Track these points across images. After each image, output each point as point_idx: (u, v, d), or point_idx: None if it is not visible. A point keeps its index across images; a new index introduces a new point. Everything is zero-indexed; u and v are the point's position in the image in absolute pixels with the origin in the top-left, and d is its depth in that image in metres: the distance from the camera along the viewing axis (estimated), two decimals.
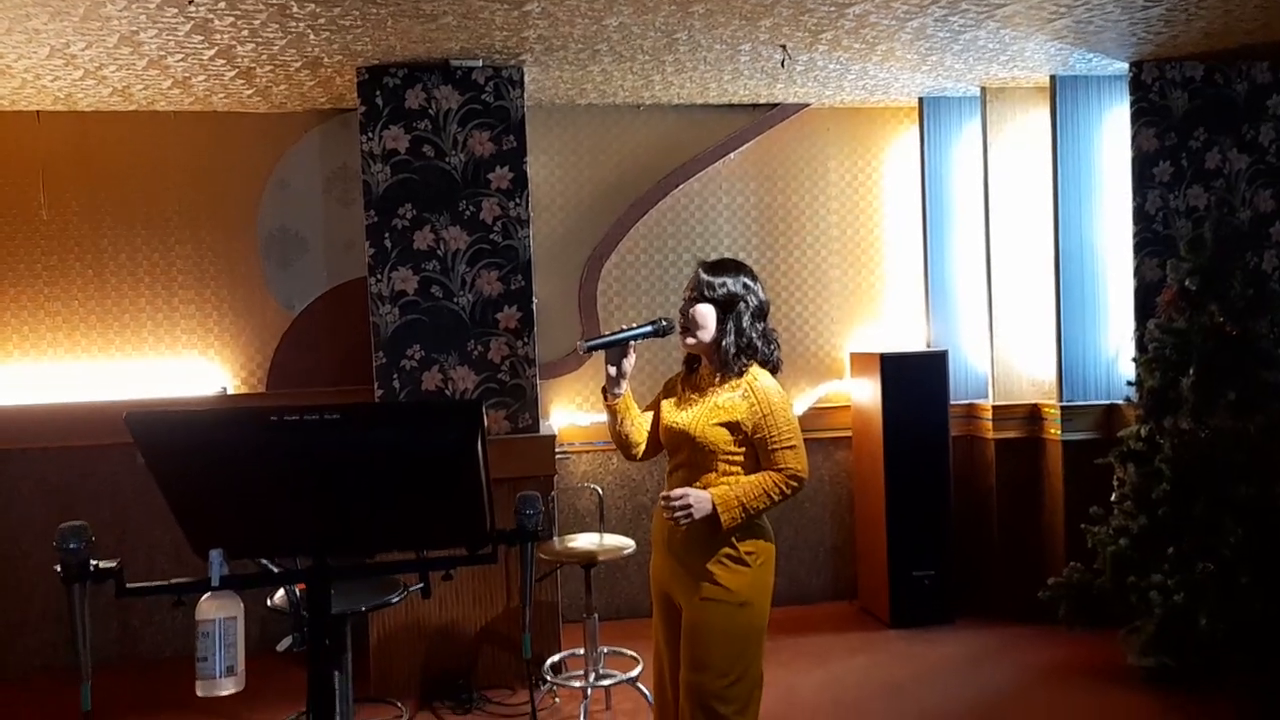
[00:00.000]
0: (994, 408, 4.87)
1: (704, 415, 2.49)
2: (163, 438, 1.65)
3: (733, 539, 2.44)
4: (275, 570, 1.88)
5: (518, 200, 4.15)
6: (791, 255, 5.16)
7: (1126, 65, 4.48)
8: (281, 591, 3.06)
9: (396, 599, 3.06)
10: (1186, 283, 3.89)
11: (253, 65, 3.94)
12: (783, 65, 4.12)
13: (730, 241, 5.11)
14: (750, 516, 2.40)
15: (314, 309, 4.77)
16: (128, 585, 1.65)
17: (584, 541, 3.80)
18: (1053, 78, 4.63)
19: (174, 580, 1.69)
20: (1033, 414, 4.88)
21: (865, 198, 5.26)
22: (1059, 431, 4.69)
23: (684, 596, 2.48)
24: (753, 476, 2.44)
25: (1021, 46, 4.14)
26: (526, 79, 4.19)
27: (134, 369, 4.63)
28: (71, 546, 1.59)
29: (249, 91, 4.34)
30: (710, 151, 5.03)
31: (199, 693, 1.66)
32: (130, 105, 4.50)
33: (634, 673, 3.65)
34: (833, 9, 3.52)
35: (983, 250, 4.91)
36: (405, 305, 4.10)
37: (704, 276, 2.52)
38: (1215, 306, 3.78)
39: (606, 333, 2.53)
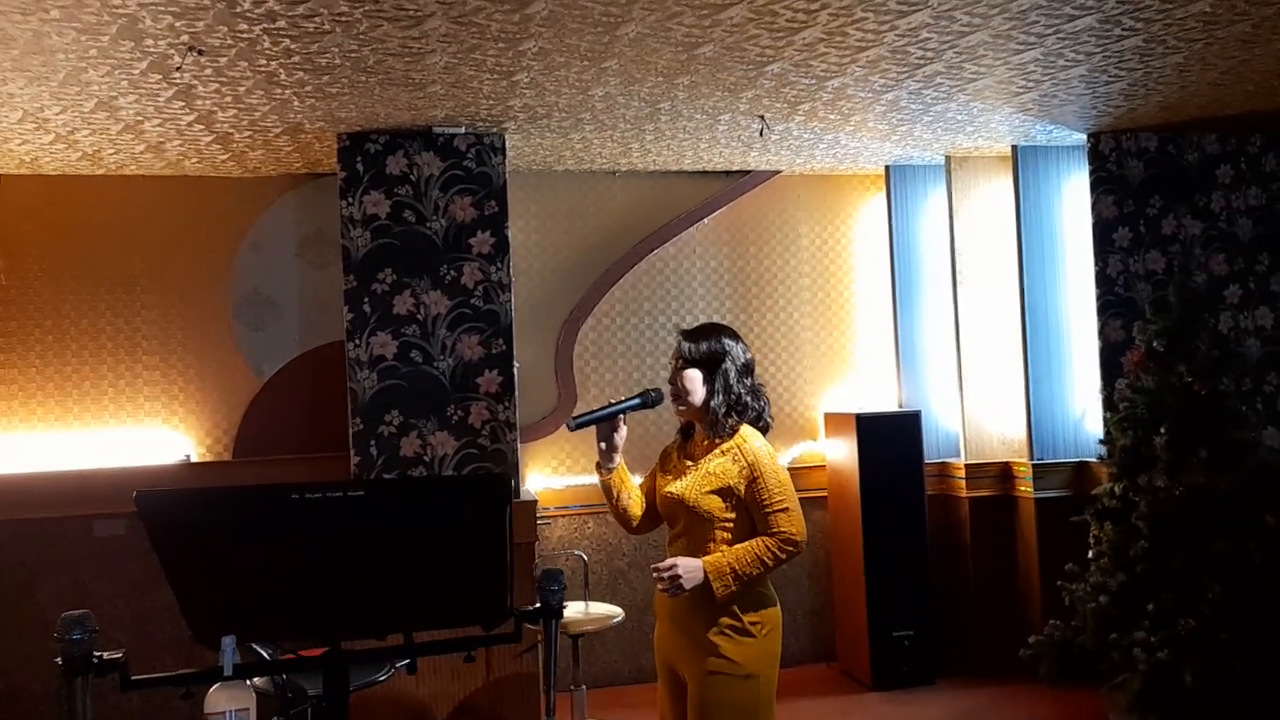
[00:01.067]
0: (966, 466, 4.94)
1: (697, 484, 2.47)
2: (173, 517, 1.59)
3: (735, 609, 2.40)
4: (267, 655, 1.80)
5: (499, 265, 4.14)
6: (765, 318, 5.22)
7: (1084, 136, 4.67)
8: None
9: (384, 677, 2.95)
10: (1154, 343, 4.00)
11: (231, 130, 3.91)
12: (760, 135, 4.22)
13: (705, 305, 5.16)
14: (744, 585, 2.37)
15: (285, 374, 4.68)
16: (133, 678, 1.55)
17: (571, 611, 3.72)
18: (1014, 148, 4.81)
19: (183, 671, 1.60)
20: (1004, 472, 4.95)
21: (835, 262, 5.36)
22: (1031, 489, 4.76)
23: (689, 669, 2.43)
24: (747, 543, 2.41)
25: (988, 118, 4.29)
26: (508, 145, 4.22)
27: (93, 439, 4.47)
28: (75, 637, 1.51)
29: (224, 156, 4.30)
30: (684, 217, 5.10)
31: None
32: (99, 170, 4.42)
33: None
34: (813, 82, 3.63)
35: (951, 312, 5.02)
36: (384, 370, 4.04)
37: (684, 343, 2.55)
38: (1183, 367, 3.90)
39: (595, 408, 2.50)
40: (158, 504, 1.56)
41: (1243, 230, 4.82)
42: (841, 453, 4.93)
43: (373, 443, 4.00)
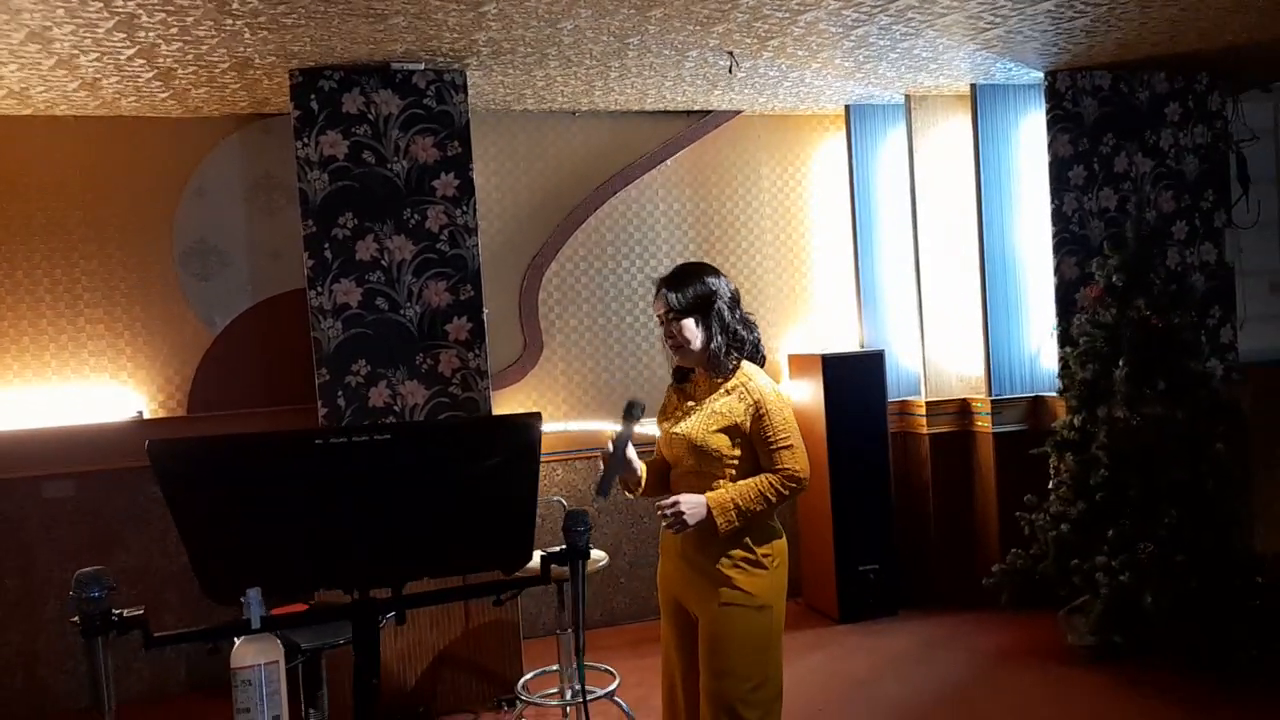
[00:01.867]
0: (927, 404, 5.04)
1: (704, 423, 2.45)
2: (187, 467, 1.50)
3: (748, 541, 2.40)
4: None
5: (464, 208, 4.02)
6: (727, 260, 5.19)
7: (1042, 75, 4.72)
8: None
9: (330, 646, 2.89)
10: (1113, 279, 4.11)
11: (174, 66, 3.68)
12: (730, 71, 4.14)
13: (668, 248, 5.11)
14: (747, 520, 2.37)
15: (238, 325, 4.49)
16: (156, 635, 1.48)
17: None
18: (973, 86, 4.83)
19: (207, 626, 1.53)
20: (963, 408, 5.07)
21: (796, 202, 5.35)
22: (989, 424, 4.89)
23: (700, 603, 2.43)
24: (750, 479, 2.41)
25: (951, 55, 4.29)
26: (468, 83, 4.07)
27: (36, 396, 4.24)
28: (93, 595, 1.42)
29: (164, 95, 4.05)
30: (645, 159, 5.02)
31: None
32: (26, 109, 4.13)
33: (612, 687, 3.57)
34: (786, 15, 3.56)
35: (910, 252, 5.07)
36: (349, 319, 3.90)
37: (670, 294, 2.48)
38: (1141, 301, 4.01)
39: (604, 470, 2.35)
40: (170, 453, 1.46)
41: (1189, 168, 4.95)
42: (806, 393, 4.98)
43: (340, 393, 3.88)
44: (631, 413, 2.36)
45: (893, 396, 5.10)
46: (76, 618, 1.42)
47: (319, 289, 3.88)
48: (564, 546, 1.77)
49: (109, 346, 4.35)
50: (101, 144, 4.32)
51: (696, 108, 5.00)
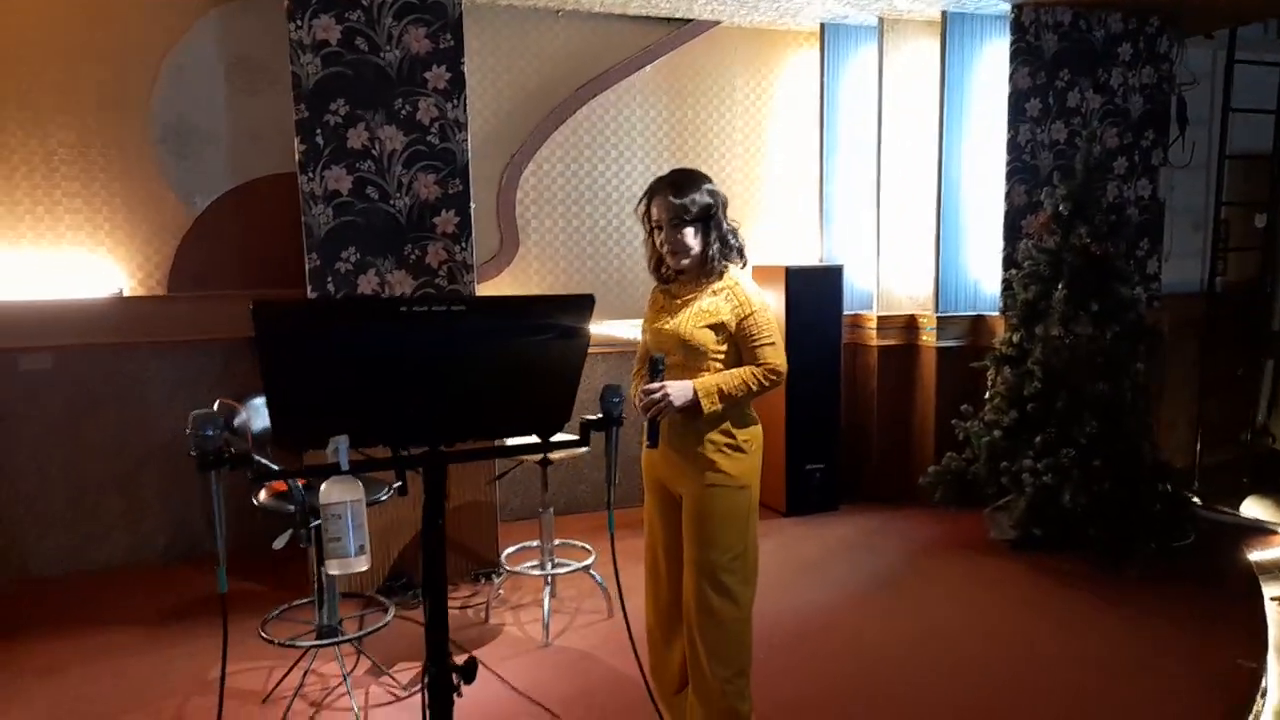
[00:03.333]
0: (878, 318, 5.37)
1: (691, 319, 2.65)
2: (286, 327, 1.66)
3: (729, 427, 2.65)
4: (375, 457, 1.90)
5: (455, 102, 4.09)
6: (700, 169, 5.34)
7: (1009, 7, 4.93)
8: (263, 491, 3.05)
9: (384, 497, 3.11)
10: (1060, 208, 4.44)
11: None
12: None
13: (644, 154, 5.25)
14: (729, 404, 2.59)
15: (219, 206, 4.51)
16: (261, 469, 1.67)
17: None
18: (944, 13, 5.02)
19: (305, 466, 1.72)
20: (910, 324, 5.41)
21: (766, 116, 5.52)
22: (933, 339, 5.25)
23: (686, 485, 2.67)
24: (734, 370, 2.65)
25: None
26: None
27: (10, 261, 4.22)
28: (208, 433, 1.59)
29: None
30: (625, 64, 5.10)
31: (333, 571, 1.72)
32: None
33: (588, 561, 3.88)
34: None
35: (873, 172, 5.31)
36: (339, 206, 3.98)
37: (676, 201, 2.58)
38: (1084, 229, 4.35)
39: (647, 423, 2.50)
40: (273, 313, 1.62)
41: (1134, 106, 5.27)
42: (769, 303, 5.23)
43: (330, 279, 3.98)
44: (657, 368, 2.51)
45: (847, 310, 5.41)
46: (193, 452, 1.59)
47: (310, 174, 3.93)
48: (600, 415, 2.00)
49: (86, 221, 4.34)
50: (80, 14, 4.22)
51: (679, 15, 5.08)
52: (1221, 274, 6.06)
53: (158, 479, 4.50)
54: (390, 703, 3.11)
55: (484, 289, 4.93)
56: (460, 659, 1.87)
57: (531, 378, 1.85)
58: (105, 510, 4.45)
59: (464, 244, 4.16)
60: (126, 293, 4.39)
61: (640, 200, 2.68)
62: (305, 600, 3.57)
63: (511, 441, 1.99)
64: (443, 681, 1.84)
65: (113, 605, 4.02)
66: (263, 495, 3.02)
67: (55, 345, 4.25)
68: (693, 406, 2.55)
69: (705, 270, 2.65)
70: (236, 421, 2.85)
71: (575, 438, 1.95)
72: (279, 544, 2.78)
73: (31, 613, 3.94)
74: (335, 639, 3.04)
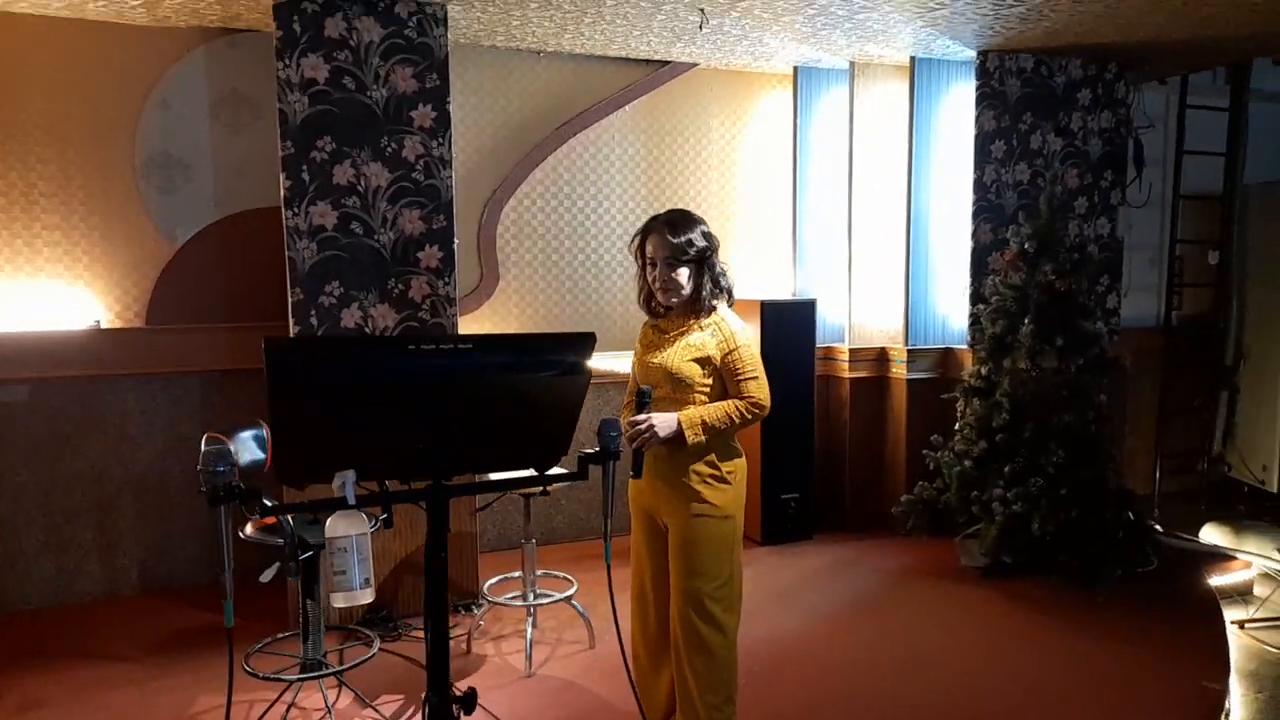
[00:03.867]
0: (850, 350, 5.50)
1: (679, 353, 2.75)
2: (296, 363, 1.71)
3: (714, 459, 2.73)
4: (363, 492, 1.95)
5: (440, 140, 4.17)
6: (675, 206, 5.46)
7: (974, 53, 5.13)
8: (250, 525, 3.06)
9: (371, 529, 3.13)
10: (1026, 245, 4.60)
11: None
12: (700, 28, 4.38)
13: (621, 191, 5.36)
14: (712, 435, 2.67)
15: (200, 240, 4.54)
16: (267, 505, 1.71)
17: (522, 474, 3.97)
18: (913, 58, 5.21)
19: (310, 500, 1.77)
20: (881, 356, 5.55)
21: (741, 155, 5.67)
22: (904, 371, 5.39)
23: (672, 515, 2.75)
24: (718, 402, 2.73)
25: (899, 29, 4.65)
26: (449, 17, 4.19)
27: None
28: (219, 470, 1.64)
29: (134, 1, 4.02)
30: (605, 103, 5.22)
31: (338, 604, 1.77)
32: None
33: (570, 592, 3.92)
34: None
35: (845, 209, 5.47)
36: (324, 241, 4.03)
37: (673, 240, 2.67)
38: (1048, 267, 4.52)
39: (633, 453, 2.53)
40: (286, 349, 1.68)
41: (1093, 149, 5.49)
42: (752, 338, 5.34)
43: (313, 313, 4.02)
44: (643, 400, 2.59)
45: (820, 343, 5.53)
46: (204, 488, 1.63)
47: (295, 210, 3.98)
48: (597, 449, 2.07)
49: (65, 254, 4.34)
50: (64, 46, 4.25)
51: (657, 57, 5.22)
52: (1177, 309, 6.29)
53: (133, 511, 4.48)
54: None
55: (464, 322, 4.98)
56: (459, 689, 1.91)
57: (534, 412, 1.92)
58: (80, 542, 4.41)
59: (447, 278, 4.23)
60: (104, 325, 4.38)
61: (635, 236, 2.77)
62: (287, 634, 3.57)
63: (509, 475, 2.03)
64: (444, 711, 1.88)
65: (91, 638, 3.99)
66: (249, 529, 3.04)
67: (32, 376, 4.23)
68: (677, 438, 2.63)
69: (695, 309, 2.74)
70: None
71: (564, 471, 2.01)
72: (266, 577, 2.80)
73: (9, 647, 3.89)
74: (321, 672, 3.05)
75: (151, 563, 4.53)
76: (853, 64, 5.35)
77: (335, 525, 1.78)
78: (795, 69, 5.49)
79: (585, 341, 1.89)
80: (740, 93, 5.61)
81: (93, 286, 4.39)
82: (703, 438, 2.65)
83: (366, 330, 4.10)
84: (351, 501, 1.76)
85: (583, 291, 5.33)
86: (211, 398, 4.56)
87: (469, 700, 1.90)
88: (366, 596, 1.78)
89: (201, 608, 4.35)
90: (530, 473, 1.98)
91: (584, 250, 5.30)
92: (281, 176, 3.97)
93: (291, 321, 4.03)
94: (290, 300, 4.02)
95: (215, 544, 1.60)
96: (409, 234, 4.15)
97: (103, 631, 4.07)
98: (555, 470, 2.03)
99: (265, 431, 3.07)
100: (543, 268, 5.22)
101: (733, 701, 2.70)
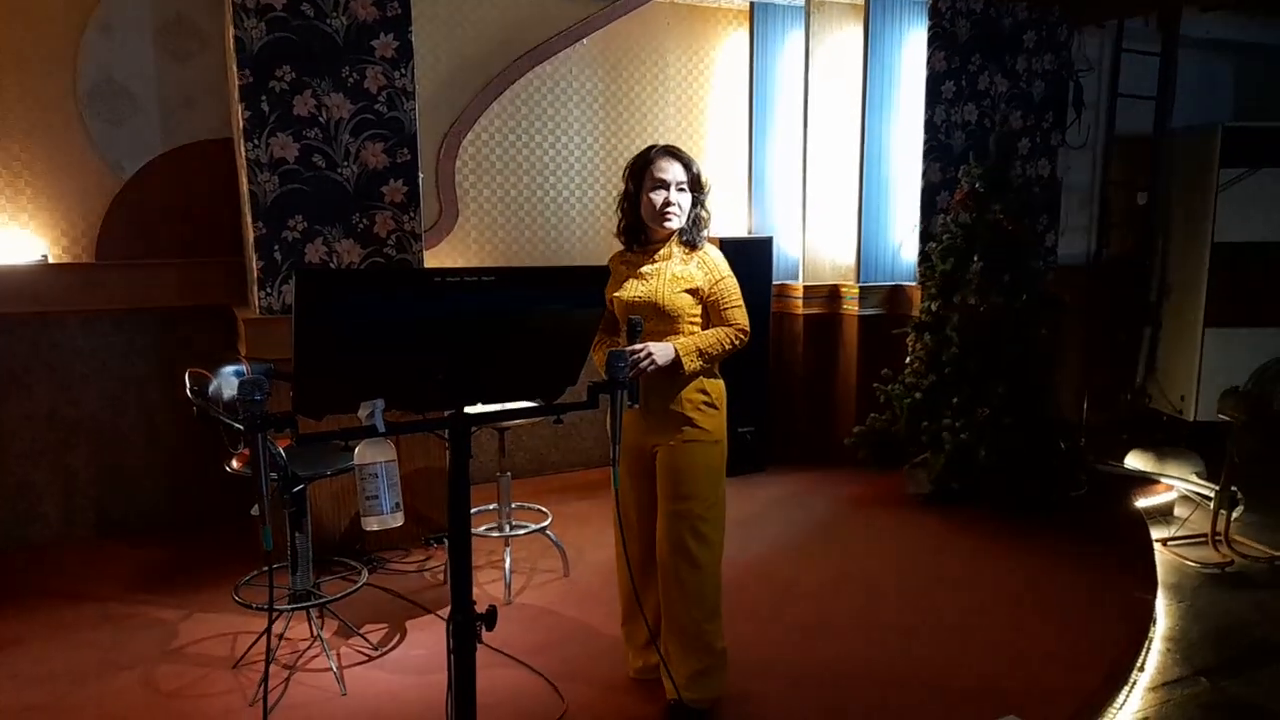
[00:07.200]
0: (804, 287, 5.63)
1: (667, 285, 2.81)
2: (326, 294, 1.72)
3: (703, 384, 2.83)
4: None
5: (403, 70, 4.08)
6: (634, 142, 5.47)
7: None
8: (236, 459, 3.06)
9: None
10: (977, 185, 4.76)
11: None
12: None
13: (579, 126, 5.33)
14: (707, 362, 2.78)
15: (148, 173, 4.37)
16: (301, 432, 1.74)
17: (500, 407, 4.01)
18: None
19: (343, 428, 1.80)
20: (833, 293, 5.70)
21: (698, 92, 5.67)
22: (856, 307, 5.56)
23: (663, 440, 2.83)
24: (710, 330, 2.83)
25: None
26: None
27: None
28: (257, 398, 1.66)
29: None
30: (563, 35, 5.15)
31: (370, 527, 1.82)
32: None
33: (545, 523, 4.01)
34: None
35: (800, 148, 5.55)
36: (285, 174, 3.94)
37: (685, 170, 2.77)
38: (997, 206, 4.69)
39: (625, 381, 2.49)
40: (318, 280, 1.69)
41: (1036, 91, 5.67)
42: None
43: (276, 247, 3.95)
44: (635, 330, 2.58)
45: (775, 280, 5.65)
46: (242, 415, 1.65)
47: (255, 142, 3.88)
48: (605, 379, 2.14)
49: (7, 186, 4.15)
50: None
51: None
52: (1106, 247, 6.58)
53: (86, 452, 4.38)
54: (364, 662, 3.18)
55: (426, 258, 4.93)
56: (482, 608, 1.99)
57: (550, 343, 1.97)
58: (34, 485, 4.31)
59: (412, 213, 4.18)
60: (50, 260, 4.22)
61: (632, 161, 2.80)
62: (268, 569, 3.58)
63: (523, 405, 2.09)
64: (467, 627, 1.96)
65: (55, 579, 3.94)
66: (235, 463, 3.03)
67: None
68: (673, 366, 2.71)
69: (689, 240, 2.81)
70: (210, 390, 2.85)
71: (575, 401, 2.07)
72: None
73: None
74: (312, 602, 3.09)
75: (108, 504, 4.46)
76: (808, 1, 5.37)
77: (364, 452, 1.82)
78: (752, 5, 5.50)
79: (600, 275, 1.94)
80: (698, 28, 5.60)
81: (36, 219, 4.22)
82: (699, 366, 2.74)
83: (331, 265, 4.05)
84: (381, 429, 1.79)
85: (542, 226, 5.32)
86: (165, 335, 4.45)
87: (490, 617, 1.98)
88: (397, 520, 1.83)
89: (164, 547, 4.32)
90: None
91: (543, 184, 5.28)
92: (240, 107, 3.85)
93: (255, 257, 3.95)
94: (252, 235, 3.94)
95: (254, 470, 1.63)
96: (372, 167, 4.08)
97: (66, 573, 4.01)
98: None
99: (246, 367, 3.05)
100: (501, 202, 5.19)
101: (719, 616, 2.84)
